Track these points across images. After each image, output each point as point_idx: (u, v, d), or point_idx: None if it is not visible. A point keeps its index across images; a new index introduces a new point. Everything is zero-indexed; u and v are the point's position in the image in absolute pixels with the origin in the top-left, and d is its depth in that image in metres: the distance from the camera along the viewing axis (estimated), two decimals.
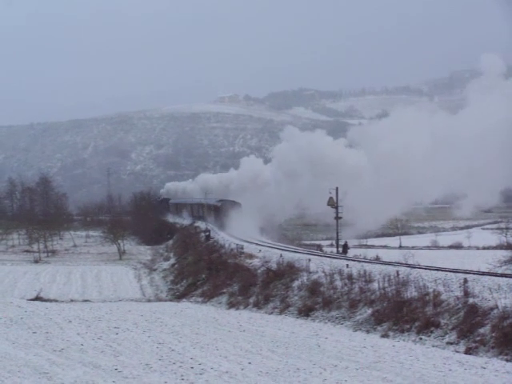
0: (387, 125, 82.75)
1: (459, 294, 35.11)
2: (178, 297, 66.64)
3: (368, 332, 36.97)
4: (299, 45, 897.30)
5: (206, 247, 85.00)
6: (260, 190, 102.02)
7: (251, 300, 53.33)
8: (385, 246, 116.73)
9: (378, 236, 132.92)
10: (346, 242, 75.32)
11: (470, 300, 33.77)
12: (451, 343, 31.43)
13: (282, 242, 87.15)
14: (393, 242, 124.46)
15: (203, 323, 41.73)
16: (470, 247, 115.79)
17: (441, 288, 36.96)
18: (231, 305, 55.00)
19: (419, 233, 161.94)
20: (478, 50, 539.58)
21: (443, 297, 35.75)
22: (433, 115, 76.52)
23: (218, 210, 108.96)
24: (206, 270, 70.98)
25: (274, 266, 57.82)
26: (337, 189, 73.46)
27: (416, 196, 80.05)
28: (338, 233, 76.32)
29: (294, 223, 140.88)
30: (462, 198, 73.54)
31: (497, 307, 31.34)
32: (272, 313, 48.17)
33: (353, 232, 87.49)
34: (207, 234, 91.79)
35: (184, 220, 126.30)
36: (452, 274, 40.62)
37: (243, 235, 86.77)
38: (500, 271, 49.66)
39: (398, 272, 42.58)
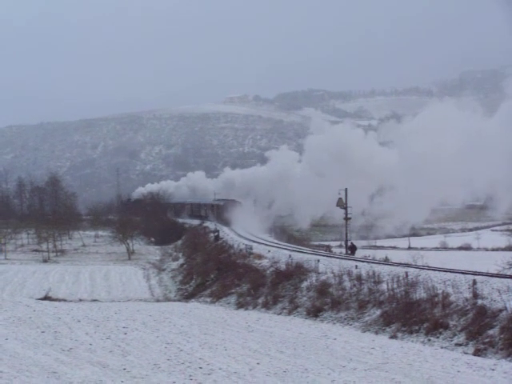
0: (421, 122, 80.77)
1: (468, 295, 35.05)
2: (187, 297, 66.58)
3: (377, 333, 36.91)
4: (309, 45, 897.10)
5: (214, 247, 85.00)
6: (288, 189, 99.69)
7: (260, 300, 53.28)
8: (394, 247, 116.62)
9: (387, 237, 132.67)
10: (353, 243, 75.16)
11: (479, 301, 33.72)
12: (460, 345, 31.36)
13: (291, 242, 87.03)
14: (402, 242, 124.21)
15: (212, 323, 41.76)
16: (479, 249, 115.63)
17: (450, 289, 36.88)
18: (240, 305, 54.94)
19: (428, 234, 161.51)
20: (488, 50, 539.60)
21: (452, 298, 35.69)
22: (470, 113, 74.63)
23: (220, 209, 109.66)
24: (214, 270, 70.92)
25: (282, 266, 57.81)
26: (346, 190, 73.38)
27: (444, 197, 79.08)
28: (346, 234, 76.22)
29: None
30: (491, 200, 72.80)
31: (506, 309, 31.29)
32: (281, 313, 48.14)
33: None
34: (216, 234, 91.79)
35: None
36: (461, 275, 40.53)
37: (243, 232, 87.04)
38: (509, 273, 49.45)
39: (406, 273, 42.53)
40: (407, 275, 41.96)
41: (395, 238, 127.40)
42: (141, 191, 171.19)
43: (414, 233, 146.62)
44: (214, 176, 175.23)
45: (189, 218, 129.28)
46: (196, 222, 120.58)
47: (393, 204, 77.98)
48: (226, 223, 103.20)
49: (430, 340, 33.08)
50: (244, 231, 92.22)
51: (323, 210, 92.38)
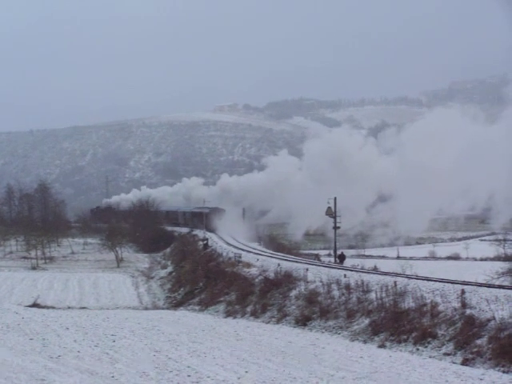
0: (422, 129, 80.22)
1: (456, 305, 35.09)
2: (176, 305, 66.53)
3: (365, 342, 36.91)
4: (299, 54, 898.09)
5: (203, 256, 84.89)
6: (285, 197, 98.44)
7: (248, 309, 53.24)
8: (383, 257, 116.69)
9: (375, 246, 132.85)
10: (342, 253, 75.31)
11: (468, 311, 33.76)
12: (448, 354, 31.37)
13: (280, 251, 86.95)
14: (391, 252, 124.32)
15: (200, 332, 41.70)
16: (467, 258, 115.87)
17: (438, 299, 36.93)
18: (228, 313, 54.90)
19: (417, 243, 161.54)
20: (477, 61, 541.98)
21: (440, 308, 35.73)
22: (471, 120, 73.98)
23: (204, 217, 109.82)
24: (203, 278, 70.87)
25: (271, 275, 57.77)
26: (335, 199, 73.49)
27: (442, 207, 78.77)
28: (335, 243, 76.33)
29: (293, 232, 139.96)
30: (489, 211, 72.75)
31: (494, 319, 31.32)
32: (269, 322, 48.08)
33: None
34: (205, 242, 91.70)
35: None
36: (449, 284, 40.59)
37: (232, 241, 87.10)
38: (497, 282, 49.65)
39: (395, 282, 42.54)
40: (396, 284, 41.98)
41: (384, 247, 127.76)
42: (115, 200, 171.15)
43: (404, 242, 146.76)
44: (205, 184, 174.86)
45: (166, 224, 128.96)
46: (185, 229, 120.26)
47: (391, 214, 77.95)
48: (211, 231, 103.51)
49: (418, 349, 33.10)
50: (231, 239, 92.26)
51: (320, 220, 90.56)
